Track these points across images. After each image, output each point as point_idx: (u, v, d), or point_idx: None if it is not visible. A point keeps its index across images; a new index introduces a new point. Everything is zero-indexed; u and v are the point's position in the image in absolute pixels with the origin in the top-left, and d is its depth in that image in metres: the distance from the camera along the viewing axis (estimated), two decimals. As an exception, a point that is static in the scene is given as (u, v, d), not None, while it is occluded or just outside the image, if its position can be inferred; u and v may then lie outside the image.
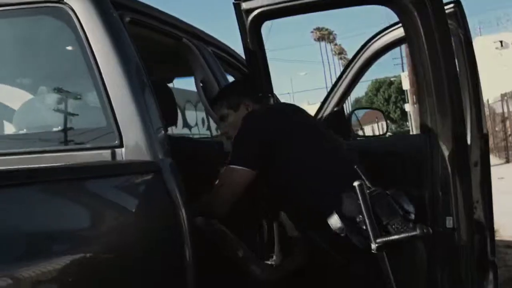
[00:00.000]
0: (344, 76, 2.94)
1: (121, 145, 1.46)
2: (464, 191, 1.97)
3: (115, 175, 1.33)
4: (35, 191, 1.07)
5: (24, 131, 1.70)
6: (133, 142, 1.46)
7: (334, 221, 1.46)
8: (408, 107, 30.49)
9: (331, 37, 47.88)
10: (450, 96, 1.93)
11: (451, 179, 1.98)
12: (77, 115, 1.63)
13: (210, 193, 1.71)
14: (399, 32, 2.64)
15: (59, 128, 1.60)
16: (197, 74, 2.29)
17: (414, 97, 10.84)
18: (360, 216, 1.45)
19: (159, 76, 2.76)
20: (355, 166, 1.55)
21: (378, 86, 40.59)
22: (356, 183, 1.45)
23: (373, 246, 1.40)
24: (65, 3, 1.55)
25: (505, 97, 13.75)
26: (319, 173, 1.66)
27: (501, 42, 17.49)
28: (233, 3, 1.97)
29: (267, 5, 1.96)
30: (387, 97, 43.47)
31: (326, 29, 48.00)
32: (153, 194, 1.42)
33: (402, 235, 1.43)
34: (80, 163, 1.40)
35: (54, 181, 1.14)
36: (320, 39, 47.33)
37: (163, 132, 1.54)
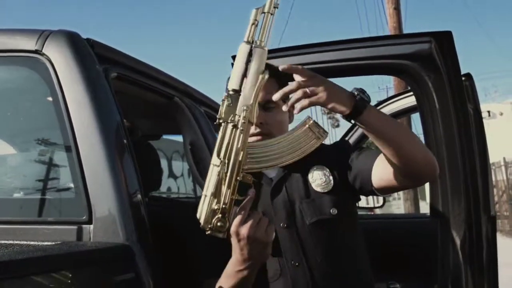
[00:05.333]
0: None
1: (89, 222, 1.23)
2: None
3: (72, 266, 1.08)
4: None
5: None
6: (105, 218, 1.23)
7: None
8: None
9: (321, 96, 48.70)
10: (465, 177, 1.76)
11: (463, 271, 1.78)
12: (42, 180, 1.40)
13: None
14: (401, 103, 2.55)
15: (18, 195, 1.37)
16: (186, 135, 2.09)
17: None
18: None
19: (146, 134, 2.57)
20: None
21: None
22: None
23: None
24: (43, 54, 1.37)
25: (493, 167, 13.78)
26: None
27: (488, 112, 17.81)
28: (232, 64, 1.80)
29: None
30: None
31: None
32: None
33: None
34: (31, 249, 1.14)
35: None
36: (310, 97, 48.11)
37: (141, 206, 1.32)
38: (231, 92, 1.15)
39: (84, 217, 1.23)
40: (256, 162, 1.16)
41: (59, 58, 1.37)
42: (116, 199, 1.24)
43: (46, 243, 1.16)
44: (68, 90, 1.35)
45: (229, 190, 1.12)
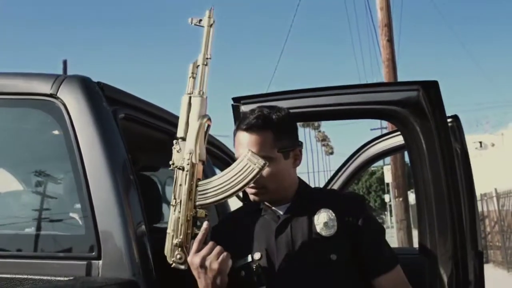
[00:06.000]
0: (336, 178, 2.88)
1: (98, 257, 1.30)
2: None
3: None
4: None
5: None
6: (113, 254, 1.31)
7: None
8: (387, 197, 30.78)
9: (316, 124, 49.22)
10: (451, 215, 1.85)
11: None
12: (53, 217, 1.48)
13: None
14: (395, 140, 2.65)
15: (30, 230, 1.44)
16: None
17: (396, 191, 10.80)
18: None
19: (146, 166, 2.66)
20: None
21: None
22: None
23: None
24: (57, 97, 1.47)
25: (485, 197, 13.88)
26: None
27: (480, 143, 18.09)
28: (232, 105, 1.92)
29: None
30: (368, 186, 44.03)
31: (311, 116, 49.03)
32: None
33: None
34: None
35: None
36: (305, 125, 48.42)
37: (146, 241, 1.40)
38: (179, 140, 1.32)
39: (93, 253, 1.31)
40: (206, 198, 1.31)
41: (72, 101, 1.47)
42: (123, 236, 1.32)
43: (58, 278, 1.24)
44: (80, 131, 1.45)
45: (183, 226, 1.27)
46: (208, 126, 1.34)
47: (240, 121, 1.44)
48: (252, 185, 1.37)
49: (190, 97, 1.33)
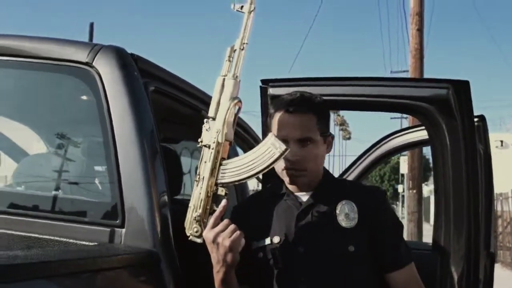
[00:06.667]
0: (354, 166, 2.89)
1: (122, 225, 1.35)
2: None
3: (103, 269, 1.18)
4: None
5: (22, 188, 1.59)
6: (136, 223, 1.35)
7: None
8: (401, 188, 30.58)
9: (335, 107, 48.95)
10: (468, 215, 1.86)
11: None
12: (80, 182, 1.53)
13: None
14: (418, 134, 2.65)
15: (58, 192, 1.49)
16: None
17: (410, 182, 10.76)
18: None
19: (168, 137, 2.70)
20: None
21: (375, 163, 41.10)
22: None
23: None
24: (93, 66, 1.50)
25: (500, 197, 13.73)
26: None
27: (501, 141, 17.77)
28: (260, 87, 1.93)
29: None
30: (382, 174, 43.88)
31: (332, 100, 48.62)
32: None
33: None
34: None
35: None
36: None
37: (168, 214, 1.44)
38: (210, 119, 1.35)
39: (117, 221, 1.35)
40: (227, 177, 1.34)
41: (107, 71, 1.50)
42: (147, 206, 1.36)
43: (82, 242, 1.29)
44: (112, 100, 1.48)
45: (203, 202, 1.32)
46: (239, 108, 1.36)
47: (281, 103, 1.44)
48: (292, 166, 1.38)
49: (224, 79, 1.36)
